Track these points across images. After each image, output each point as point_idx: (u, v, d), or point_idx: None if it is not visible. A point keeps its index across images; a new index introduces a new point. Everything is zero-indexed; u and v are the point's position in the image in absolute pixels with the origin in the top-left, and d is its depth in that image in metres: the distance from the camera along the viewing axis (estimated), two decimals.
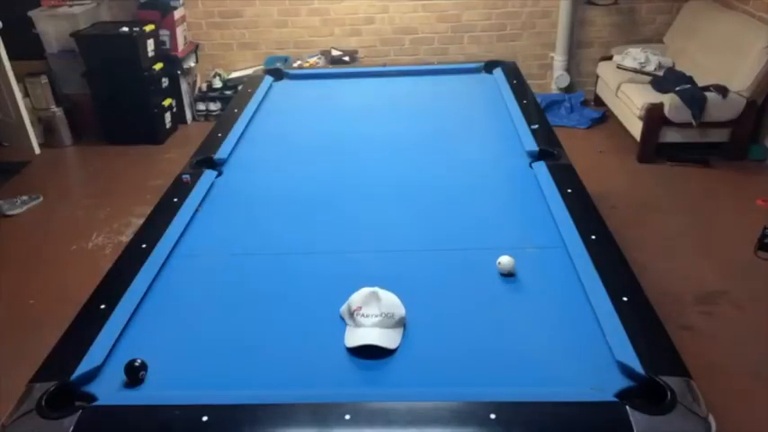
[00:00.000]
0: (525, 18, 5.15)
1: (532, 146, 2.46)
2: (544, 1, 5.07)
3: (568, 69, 5.19)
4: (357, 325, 1.52)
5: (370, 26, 5.17)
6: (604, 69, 4.94)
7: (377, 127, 2.82)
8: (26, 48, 4.71)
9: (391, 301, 1.54)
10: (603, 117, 4.99)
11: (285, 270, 1.83)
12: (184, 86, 5.14)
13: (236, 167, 2.48)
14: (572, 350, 1.48)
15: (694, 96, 4.02)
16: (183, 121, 5.20)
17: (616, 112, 4.74)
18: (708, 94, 4.03)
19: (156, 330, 1.60)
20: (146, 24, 4.68)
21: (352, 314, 1.54)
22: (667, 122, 4.12)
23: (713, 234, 3.46)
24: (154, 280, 1.77)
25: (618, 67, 4.74)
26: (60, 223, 3.84)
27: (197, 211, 2.14)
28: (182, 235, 1.99)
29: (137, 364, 1.41)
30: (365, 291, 1.56)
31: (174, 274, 1.82)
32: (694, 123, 4.05)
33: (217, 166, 2.46)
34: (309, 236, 2.01)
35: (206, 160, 2.47)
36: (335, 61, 5.04)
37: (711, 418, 1.25)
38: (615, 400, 1.29)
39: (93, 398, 1.36)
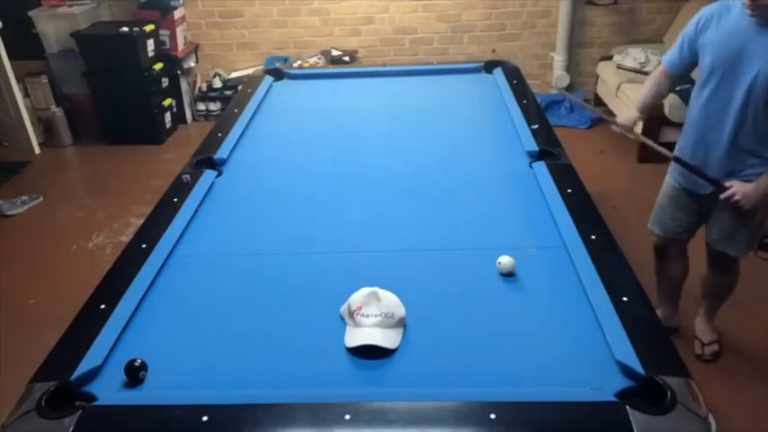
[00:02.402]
0: (525, 18, 5.14)
1: (532, 146, 2.46)
2: (544, 1, 5.06)
3: (568, 69, 5.19)
4: (357, 325, 1.52)
5: (369, 26, 5.17)
6: (604, 69, 4.94)
7: (377, 127, 2.82)
8: (26, 48, 4.70)
9: (391, 301, 1.55)
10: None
11: (285, 270, 1.83)
12: (184, 86, 5.14)
13: (236, 167, 2.48)
14: (572, 350, 1.48)
15: None
16: (183, 121, 5.20)
17: (616, 112, 4.73)
18: None
19: (156, 330, 1.60)
20: (146, 24, 4.67)
21: (352, 314, 1.54)
22: (667, 122, 4.12)
23: None
24: (154, 280, 1.77)
25: (618, 67, 4.73)
26: (60, 223, 3.83)
27: (197, 211, 2.14)
28: (182, 235, 1.99)
29: (137, 364, 1.41)
30: (365, 291, 1.56)
31: (174, 274, 1.82)
32: None
33: (217, 166, 2.46)
34: (309, 236, 2.01)
35: (206, 160, 2.47)
36: (335, 61, 5.03)
37: (711, 418, 1.25)
38: (615, 400, 1.29)
39: (93, 398, 1.36)
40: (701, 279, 2.58)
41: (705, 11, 2.10)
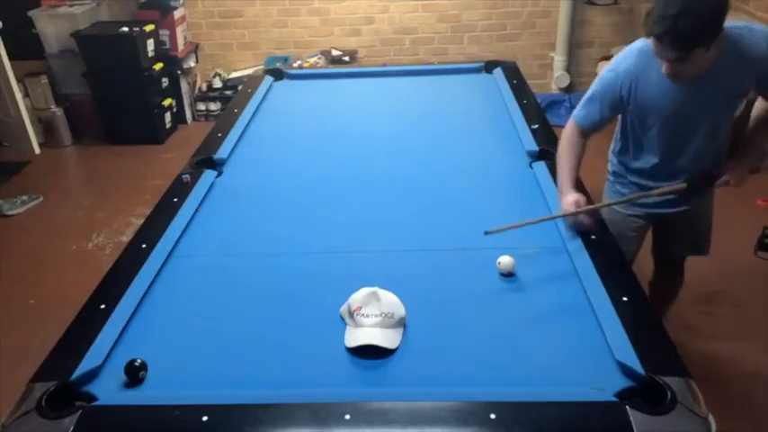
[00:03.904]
0: (525, 18, 5.15)
1: (532, 146, 2.46)
2: (544, 1, 5.06)
3: (568, 69, 5.19)
4: (357, 325, 1.52)
5: (370, 26, 5.17)
6: (604, 69, 4.93)
7: (376, 127, 2.82)
8: (26, 48, 4.70)
9: (391, 301, 1.55)
10: None
11: (285, 270, 1.83)
12: (184, 86, 5.14)
13: (236, 167, 2.48)
14: (572, 350, 1.48)
15: None
16: (183, 121, 5.20)
17: None
18: None
19: (156, 330, 1.60)
20: (146, 24, 4.67)
21: (352, 314, 1.54)
22: None
23: (713, 234, 3.45)
24: (154, 280, 1.77)
25: None
26: (60, 223, 3.84)
27: (197, 211, 2.14)
28: (181, 235, 1.99)
29: (137, 363, 1.41)
30: (365, 291, 1.56)
31: (174, 274, 1.82)
32: None
33: (217, 166, 2.46)
34: (309, 236, 2.01)
35: (206, 160, 2.47)
36: (335, 61, 5.03)
37: (711, 418, 1.25)
38: (615, 400, 1.29)
39: (93, 398, 1.36)
40: (655, 293, 2.46)
41: (621, 71, 1.97)
